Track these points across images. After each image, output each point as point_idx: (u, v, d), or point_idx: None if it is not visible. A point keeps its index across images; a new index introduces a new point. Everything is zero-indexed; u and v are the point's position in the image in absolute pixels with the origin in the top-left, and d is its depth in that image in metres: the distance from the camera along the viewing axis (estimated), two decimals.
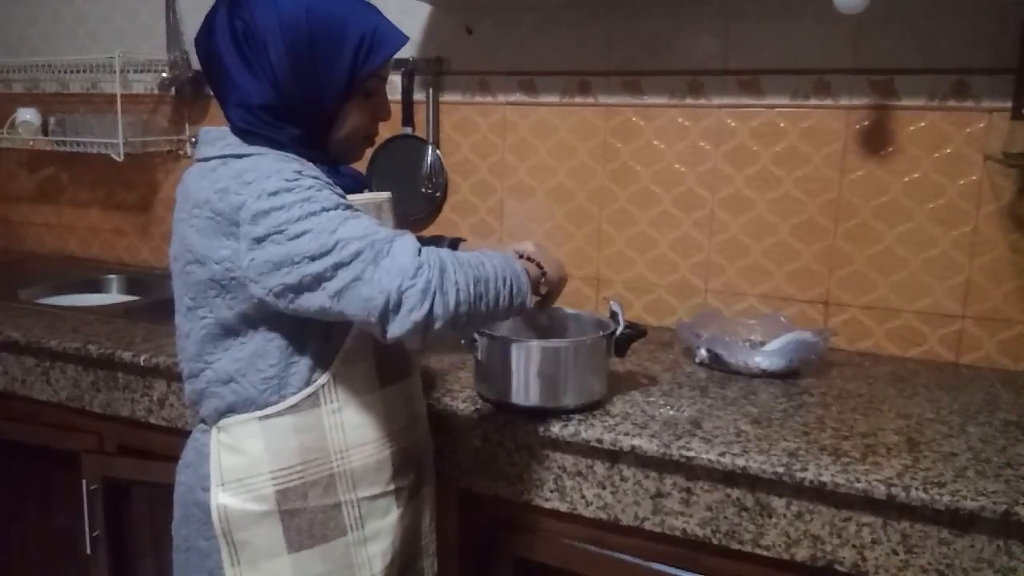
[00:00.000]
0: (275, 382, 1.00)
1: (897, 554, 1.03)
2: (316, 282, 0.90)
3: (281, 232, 0.90)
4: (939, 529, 1.01)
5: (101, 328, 1.64)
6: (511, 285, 0.99)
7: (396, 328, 0.89)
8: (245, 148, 0.98)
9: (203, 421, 1.07)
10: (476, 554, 1.30)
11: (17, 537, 1.81)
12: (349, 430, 1.03)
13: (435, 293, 0.89)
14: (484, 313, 0.96)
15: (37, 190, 2.49)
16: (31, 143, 2.25)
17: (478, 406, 1.26)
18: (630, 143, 1.74)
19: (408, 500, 1.10)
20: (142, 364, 1.46)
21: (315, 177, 0.95)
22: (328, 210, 0.91)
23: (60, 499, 1.70)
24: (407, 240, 0.92)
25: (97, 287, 2.19)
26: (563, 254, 1.83)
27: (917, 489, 1.00)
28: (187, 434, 1.12)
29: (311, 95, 0.99)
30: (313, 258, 0.90)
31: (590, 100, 1.76)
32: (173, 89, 2.17)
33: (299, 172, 0.94)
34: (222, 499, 1.01)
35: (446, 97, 1.89)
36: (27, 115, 2.24)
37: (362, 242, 0.90)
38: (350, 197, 1.00)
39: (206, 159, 1.00)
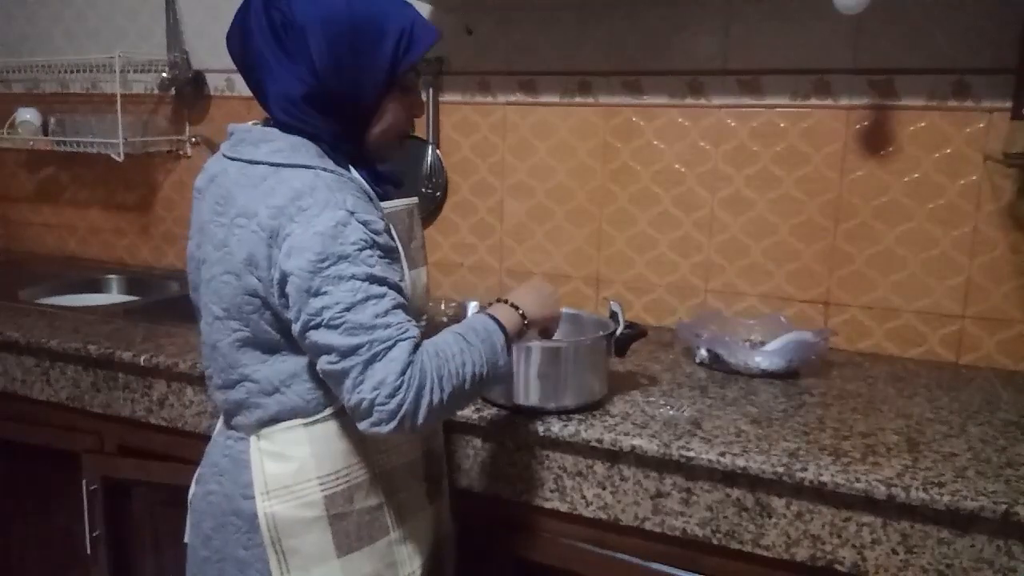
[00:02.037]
0: (321, 391, 1.00)
1: (897, 554, 1.03)
2: (313, 349, 0.92)
3: (301, 278, 0.90)
4: (939, 529, 1.01)
5: (101, 328, 1.64)
6: (491, 375, 1.00)
7: (365, 425, 0.91)
8: (298, 158, 0.96)
9: (233, 428, 1.06)
10: (476, 554, 1.30)
11: (17, 537, 1.81)
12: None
13: (403, 417, 0.90)
14: (456, 409, 1.01)
15: (37, 190, 2.49)
16: (31, 143, 2.25)
17: (478, 406, 1.25)
18: (630, 143, 1.74)
19: (436, 495, 1.13)
20: (142, 364, 1.46)
21: (364, 223, 0.93)
22: (357, 279, 0.91)
23: (60, 499, 1.70)
24: (403, 349, 0.91)
25: (97, 287, 2.19)
26: (563, 254, 1.83)
27: (917, 489, 1.00)
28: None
29: (351, 87, 0.98)
30: (317, 327, 0.90)
31: (590, 100, 1.76)
32: (173, 89, 2.17)
33: (351, 213, 0.92)
34: (270, 507, 1.00)
35: (446, 97, 1.89)
36: (27, 115, 2.24)
37: (365, 336, 0.90)
38: (382, 204, 1.01)
39: (252, 162, 0.97)
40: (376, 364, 0.90)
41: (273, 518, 1.00)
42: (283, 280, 0.92)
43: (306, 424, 1.00)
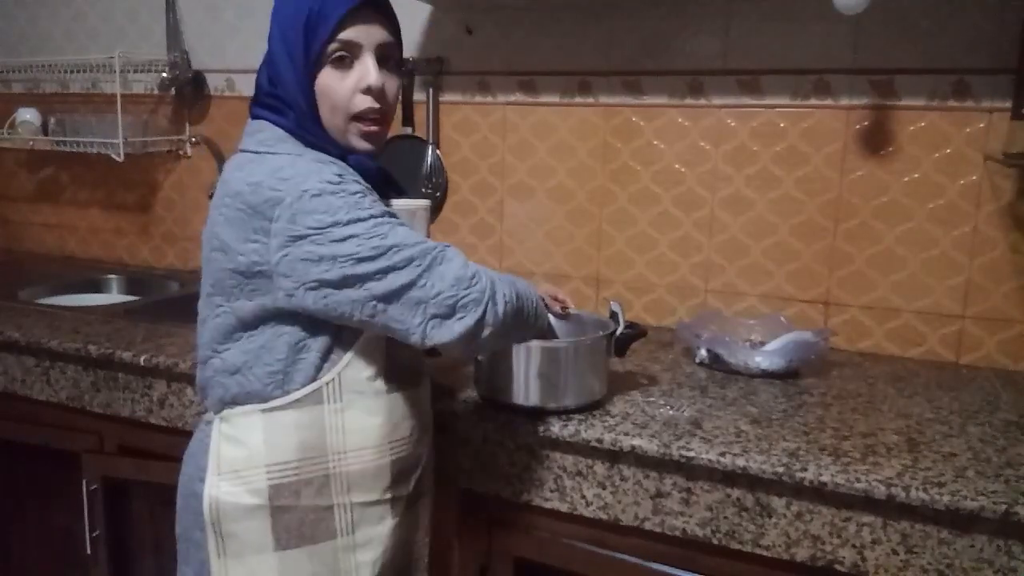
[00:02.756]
0: (279, 377, 1.00)
1: (897, 554, 1.03)
2: (360, 281, 0.92)
3: (322, 233, 0.91)
4: (939, 529, 1.01)
5: (101, 328, 1.64)
6: (536, 306, 1.08)
7: (443, 334, 0.93)
8: (283, 147, 0.99)
9: (207, 411, 1.07)
10: (476, 554, 1.30)
11: (17, 537, 1.81)
12: (349, 432, 1.02)
13: (488, 303, 0.95)
14: (520, 327, 1.05)
15: (37, 190, 2.49)
16: (31, 143, 2.25)
17: (478, 406, 1.25)
18: (630, 143, 1.74)
19: (404, 511, 1.09)
20: (142, 364, 1.46)
21: (357, 182, 0.96)
22: (375, 217, 0.93)
23: (60, 499, 1.70)
24: (455, 251, 0.96)
25: (97, 287, 2.19)
26: (563, 254, 1.83)
27: (917, 489, 1.00)
28: (187, 434, 1.12)
29: (282, 75, 0.99)
30: (360, 260, 0.91)
31: (590, 100, 1.76)
32: (173, 89, 2.17)
33: (340, 176, 0.94)
34: (214, 490, 1.01)
35: (446, 97, 1.89)
36: (27, 115, 2.24)
37: (414, 249, 0.93)
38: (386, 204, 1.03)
39: (243, 151, 1.02)
40: (439, 267, 0.93)
41: (217, 500, 1.01)
42: (288, 246, 0.92)
43: (263, 410, 1.00)
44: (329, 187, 0.92)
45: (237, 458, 1.01)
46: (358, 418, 1.02)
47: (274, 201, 0.92)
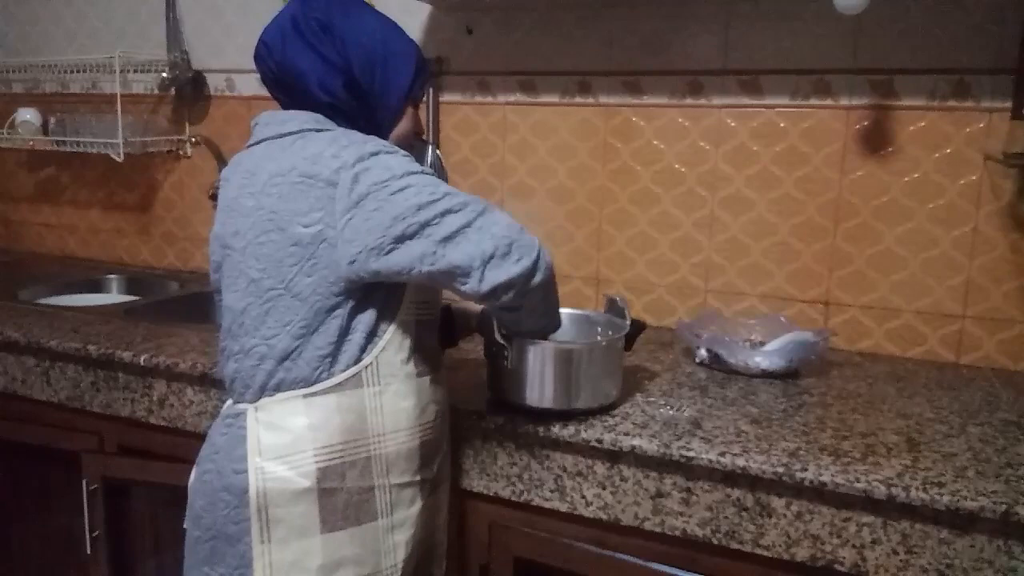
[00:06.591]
0: (328, 360, 1.02)
1: (897, 554, 1.03)
2: (421, 228, 0.96)
3: (383, 187, 0.96)
4: (939, 529, 1.01)
5: (101, 328, 1.64)
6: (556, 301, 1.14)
7: (501, 274, 0.97)
8: (327, 124, 1.05)
9: (235, 403, 1.07)
10: (476, 554, 1.30)
11: (17, 537, 1.81)
12: (387, 414, 1.05)
13: (540, 248, 1.02)
14: (555, 291, 1.11)
15: (37, 190, 2.49)
16: (31, 143, 2.25)
17: (478, 406, 1.25)
18: (630, 143, 1.74)
19: (429, 494, 1.12)
20: (142, 364, 1.46)
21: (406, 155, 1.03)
22: (427, 174, 1.00)
23: (60, 499, 1.70)
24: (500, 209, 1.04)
25: (97, 287, 2.19)
26: (563, 254, 1.83)
27: (917, 489, 1.00)
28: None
29: (381, 93, 1.09)
30: (420, 207, 0.96)
31: (590, 100, 1.76)
32: (173, 89, 2.17)
33: (388, 143, 1.03)
34: (260, 476, 1.01)
35: (446, 97, 1.89)
36: (27, 115, 2.24)
37: (466, 196, 1.00)
38: None
39: (279, 136, 1.04)
40: (491, 212, 1.00)
41: (264, 484, 1.01)
42: (352, 208, 0.96)
43: (305, 395, 1.02)
44: (385, 148, 1.01)
45: (279, 444, 1.02)
46: (394, 400, 1.05)
47: (336, 166, 0.97)
